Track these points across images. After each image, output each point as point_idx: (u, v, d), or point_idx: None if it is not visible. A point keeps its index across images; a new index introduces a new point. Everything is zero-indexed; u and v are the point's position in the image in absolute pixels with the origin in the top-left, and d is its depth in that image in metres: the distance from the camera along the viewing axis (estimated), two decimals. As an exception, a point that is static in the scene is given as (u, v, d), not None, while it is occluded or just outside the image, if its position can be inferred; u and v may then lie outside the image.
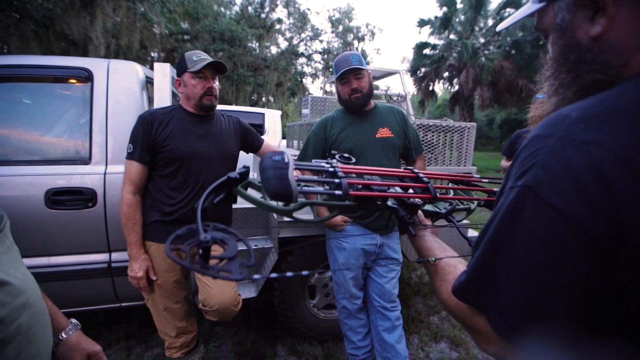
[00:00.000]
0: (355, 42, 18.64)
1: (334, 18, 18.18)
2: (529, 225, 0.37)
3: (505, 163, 2.86)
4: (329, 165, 0.61)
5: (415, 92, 17.59)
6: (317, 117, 2.93)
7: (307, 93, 16.38)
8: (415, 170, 0.70)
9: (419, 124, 2.18)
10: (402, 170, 0.72)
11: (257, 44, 13.04)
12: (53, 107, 1.78)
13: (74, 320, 0.80)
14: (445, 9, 14.86)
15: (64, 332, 0.75)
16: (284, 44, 15.25)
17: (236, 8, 13.91)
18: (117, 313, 2.32)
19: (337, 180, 0.56)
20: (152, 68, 1.94)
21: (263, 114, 4.86)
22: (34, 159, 1.67)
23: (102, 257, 1.70)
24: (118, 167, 1.66)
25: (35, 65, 1.71)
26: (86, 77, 1.70)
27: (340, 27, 18.14)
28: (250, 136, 1.70)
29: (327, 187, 0.58)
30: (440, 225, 0.79)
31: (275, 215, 1.80)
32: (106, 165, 1.67)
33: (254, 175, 3.25)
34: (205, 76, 1.43)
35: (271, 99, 13.94)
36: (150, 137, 1.38)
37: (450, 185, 0.87)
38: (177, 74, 1.48)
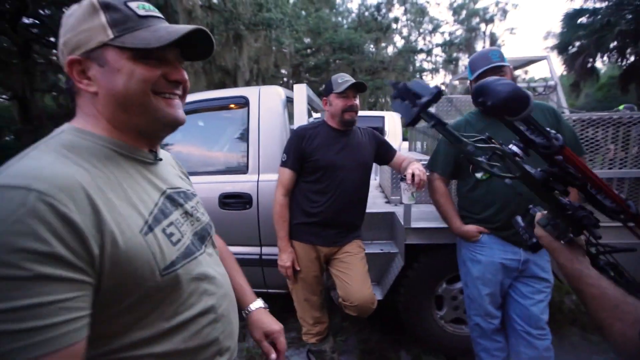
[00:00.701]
0: (483, 26, 16.61)
1: (455, 4, 16.68)
2: None
3: None
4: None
5: (565, 73, 14.37)
6: (444, 118, 2.78)
7: (426, 90, 15.49)
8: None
9: (576, 119, 1.81)
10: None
11: (374, 48, 13.17)
12: (221, 129, 2.28)
13: (260, 300, 0.88)
14: (611, -38, 11.60)
15: (247, 308, 0.86)
16: (400, 43, 14.91)
17: (353, 15, 14.40)
18: (262, 297, 2.76)
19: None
20: (284, 85, 2.25)
21: (383, 117, 4.90)
22: (210, 170, 2.17)
23: (256, 249, 2.07)
24: (268, 176, 1.99)
25: (211, 98, 2.23)
26: (244, 102, 2.11)
27: (464, 13, 16.49)
28: (383, 147, 1.79)
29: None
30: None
31: (402, 221, 1.82)
32: (259, 173, 2.03)
33: (376, 178, 3.32)
34: (347, 96, 1.61)
35: (389, 100, 13.84)
36: (301, 149, 1.62)
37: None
38: (324, 95, 1.69)
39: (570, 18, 12.93)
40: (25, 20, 9.64)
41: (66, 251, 0.42)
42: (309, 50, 12.02)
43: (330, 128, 1.68)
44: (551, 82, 2.47)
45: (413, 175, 1.51)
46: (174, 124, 0.61)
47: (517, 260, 1.44)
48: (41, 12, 9.77)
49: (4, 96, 13.65)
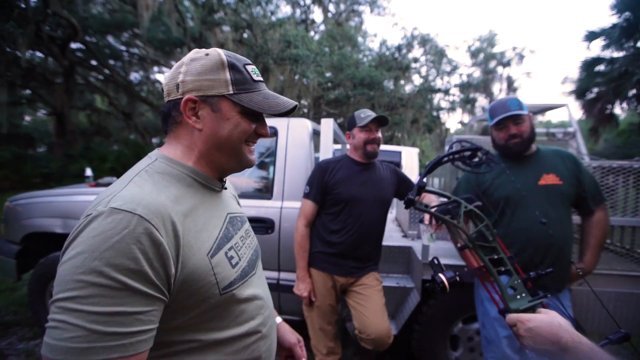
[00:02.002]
0: (500, 69, 17.01)
1: (472, 48, 17.26)
2: None
3: None
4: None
5: (583, 118, 14.32)
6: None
7: (443, 128, 15.71)
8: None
9: (596, 167, 1.85)
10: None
11: (394, 85, 13.60)
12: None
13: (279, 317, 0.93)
14: (628, 14, 11.88)
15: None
16: (419, 81, 15.36)
17: (374, 54, 15.05)
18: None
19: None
20: (305, 116, 2.39)
21: (400, 152, 5.00)
22: (238, 193, 2.27)
23: (274, 274, 2.11)
24: (291, 203, 2.08)
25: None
26: (273, 132, 2.25)
27: (481, 56, 17.01)
28: (404, 184, 1.84)
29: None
30: None
31: (420, 256, 1.84)
32: (282, 200, 2.12)
33: (392, 212, 3.36)
34: (370, 129, 1.69)
35: (406, 135, 14.04)
36: (324, 182, 1.70)
37: None
38: (348, 129, 1.78)
39: (588, 65, 13.12)
40: (73, 45, 10.52)
41: (150, 270, 0.49)
42: (330, 84, 12.52)
43: (353, 161, 1.75)
44: (570, 129, 2.53)
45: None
46: (249, 167, 0.72)
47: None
48: (87, 38, 10.67)
49: (43, 111, 14.60)
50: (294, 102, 0.70)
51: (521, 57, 16.76)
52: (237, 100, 0.64)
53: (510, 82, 17.08)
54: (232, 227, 0.71)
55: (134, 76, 13.29)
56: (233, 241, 0.68)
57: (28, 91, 12.19)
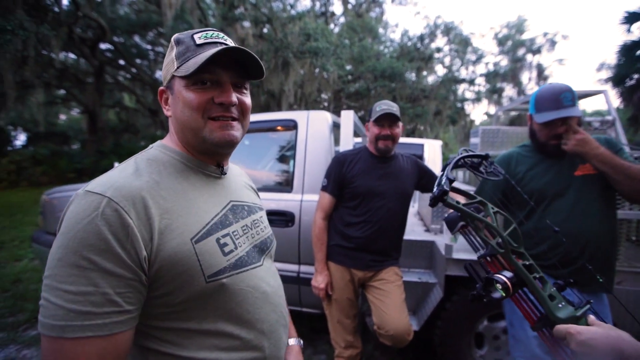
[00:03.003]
0: (529, 56, 16.15)
1: (500, 35, 16.46)
2: None
3: None
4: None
5: (621, 106, 13.40)
6: (488, 149, 2.73)
7: (468, 119, 15.18)
8: None
9: (637, 158, 1.71)
10: None
11: (416, 76, 13.26)
12: (269, 149, 2.42)
13: (294, 339, 0.83)
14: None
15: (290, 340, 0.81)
16: (442, 71, 14.88)
17: (395, 45, 14.70)
18: (294, 314, 2.77)
19: None
20: (325, 109, 2.36)
21: (422, 145, 4.87)
22: (257, 186, 2.30)
23: (294, 267, 2.13)
24: (311, 196, 2.07)
25: (262, 120, 2.39)
26: (293, 125, 2.24)
27: (509, 43, 16.20)
28: (425, 176, 1.78)
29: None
30: None
31: (443, 251, 1.79)
32: (302, 193, 2.12)
33: (414, 205, 3.29)
34: (382, 124, 1.63)
35: (429, 128, 13.68)
36: (341, 175, 1.67)
37: None
38: (367, 120, 1.74)
39: (628, 50, 12.17)
40: (102, 46, 10.98)
41: (122, 250, 0.49)
42: (350, 77, 12.38)
43: (371, 154, 1.71)
44: (609, 117, 2.35)
45: None
46: (223, 145, 0.64)
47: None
48: (115, 39, 11.09)
49: (77, 110, 15.40)
50: (218, 48, 0.60)
51: (553, 43, 15.83)
52: (177, 72, 0.61)
53: (540, 70, 16.19)
54: (233, 215, 0.68)
55: (159, 74, 13.70)
56: (231, 229, 0.65)
57: (62, 91, 12.88)
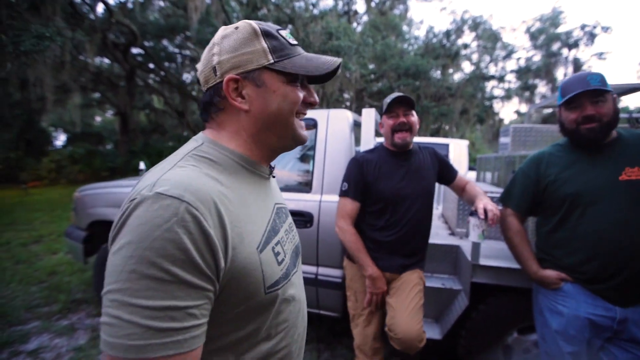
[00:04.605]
0: (565, 51, 15.23)
1: (533, 29, 15.63)
2: None
3: None
4: None
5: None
6: (519, 149, 2.58)
7: (497, 118, 14.55)
8: None
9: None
10: None
11: (441, 74, 12.88)
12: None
13: None
14: None
15: None
16: (469, 68, 14.35)
17: (419, 42, 14.34)
18: (311, 316, 2.75)
19: None
20: (347, 108, 2.29)
21: (447, 145, 4.71)
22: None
23: (312, 269, 2.09)
24: (330, 197, 2.03)
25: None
26: (313, 124, 2.21)
27: (543, 38, 15.36)
28: (445, 167, 1.70)
29: None
30: None
31: (469, 256, 1.69)
32: (322, 194, 2.08)
33: (437, 208, 3.17)
34: (396, 114, 1.54)
35: (454, 127, 13.25)
36: (362, 178, 1.58)
37: None
38: (381, 118, 1.67)
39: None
40: (133, 50, 11.48)
41: (202, 261, 0.45)
42: (373, 76, 12.22)
43: (388, 152, 1.63)
44: (657, 114, 2.13)
45: (485, 210, 1.40)
46: (302, 143, 0.65)
47: (611, 318, 1.23)
48: (145, 43, 11.56)
49: (110, 112, 16.24)
50: (338, 59, 0.63)
51: (592, 36, 14.84)
52: (281, 68, 0.58)
53: (577, 65, 15.21)
54: (279, 220, 0.65)
55: (186, 76, 14.16)
56: (279, 235, 0.62)
57: (97, 94, 13.61)
